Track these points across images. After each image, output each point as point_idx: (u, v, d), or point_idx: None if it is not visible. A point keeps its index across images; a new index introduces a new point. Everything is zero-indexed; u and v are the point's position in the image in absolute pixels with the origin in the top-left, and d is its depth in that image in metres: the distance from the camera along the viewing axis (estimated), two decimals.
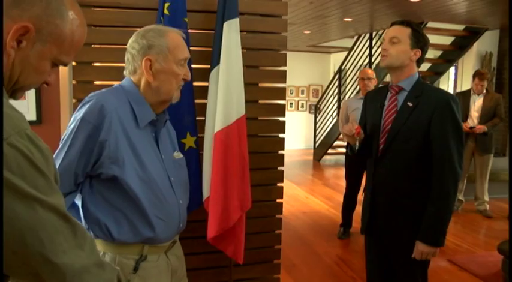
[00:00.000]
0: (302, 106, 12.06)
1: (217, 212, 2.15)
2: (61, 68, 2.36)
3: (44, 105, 2.41)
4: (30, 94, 2.38)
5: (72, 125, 1.37)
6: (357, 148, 2.14)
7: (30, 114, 2.38)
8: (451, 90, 10.21)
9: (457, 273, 3.75)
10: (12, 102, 2.35)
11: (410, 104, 1.96)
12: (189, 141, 2.24)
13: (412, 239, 1.97)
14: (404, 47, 1.95)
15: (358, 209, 4.70)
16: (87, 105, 1.38)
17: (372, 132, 2.10)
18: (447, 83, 10.40)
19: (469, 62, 7.57)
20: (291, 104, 11.97)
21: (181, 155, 1.68)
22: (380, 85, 7.44)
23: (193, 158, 2.26)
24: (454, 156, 1.90)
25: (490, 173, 5.49)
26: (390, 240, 2.08)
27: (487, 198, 5.57)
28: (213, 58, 2.23)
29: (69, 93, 2.42)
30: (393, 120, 2.00)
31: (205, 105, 2.29)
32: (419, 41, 1.96)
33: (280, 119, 2.64)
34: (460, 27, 7.22)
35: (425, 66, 8.42)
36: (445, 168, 1.90)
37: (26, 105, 2.38)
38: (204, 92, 2.31)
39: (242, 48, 2.31)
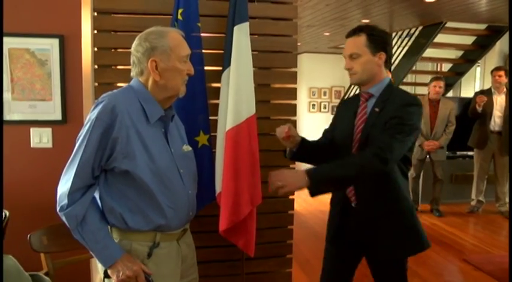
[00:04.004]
0: (324, 107, 12.04)
1: (228, 206, 2.25)
2: (84, 71, 2.54)
3: (68, 106, 2.55)
4: (56, 95, 2.53)
5: (88, 125, 1.50)
6: (287, 153, 2.09)
7: (56, 114, 2.54)
8: (468, 92, 10.05)
9: (471, 272, 3.75)
10: (38, 103, 2.51)
11: (377, 109, 1.91)
12: (202, 139, 2.35)
13: (387, 244, 1.93)
14: (365, 58, 1.90)
15: None
16: (100, 106, 1.51)
17: (343, 139, 2.02)
18: (473, 84, 10.22)
19: (492, 61, 7.46)
20: (313, 105, 11.97)
21: (190, 148, 1.80)
22: (400, 86, 7.43)
23: (206, 155, 2.37)
24: (392, 144, 1.77)
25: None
26: (363, 247, 2.01)
27: (508, 199, 5.51)
28: (225, 60, 2.34)
29: (91, 94, 2.55)
30: (363, 127, 1.94)
31: (218, 105, 2.39)
32: (378, 44, 1.90)
33: (292, 118, 2.74)
34: (482, 26, 7.14)
35: (446, 67, 8.37)
36: (375, 149, 1.77)
37: (52, 106, 2.53)
38: (216, 92, 2.42)
39: (254, 51, 2.42)
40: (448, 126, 5.17)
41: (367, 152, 1.79)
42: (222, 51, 2.42)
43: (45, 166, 2.51)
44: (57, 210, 1.50)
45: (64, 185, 1.50)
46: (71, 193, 1.48)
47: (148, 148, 1.54)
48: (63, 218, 1.50)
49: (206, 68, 2.39)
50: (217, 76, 2.43)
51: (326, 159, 1.94)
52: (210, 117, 2.41)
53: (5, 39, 2.44)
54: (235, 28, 2.29)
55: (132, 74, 1.65)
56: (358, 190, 1.97)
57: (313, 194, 1.80)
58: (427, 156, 5.32)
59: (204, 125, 2.36)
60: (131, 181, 1.52)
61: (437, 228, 5.04)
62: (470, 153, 6.06)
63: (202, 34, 2.36)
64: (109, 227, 1.60)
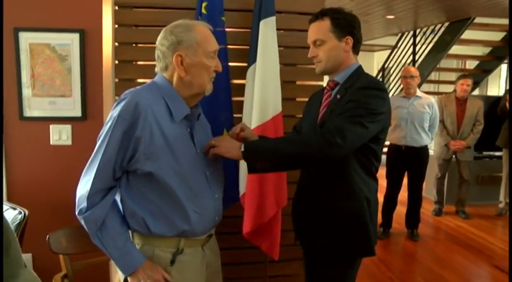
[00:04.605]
0: None
1: (252, 208, 2.17)
2: (104, 66, 2.49)
3: (88, 103, 2.50)
4: (76, 92, 2.48)
5: (110, 123, 1.41)
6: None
7: (76, 111, 2.48)
8: (495, 90, 9.77)
9: (503, 280, 3.59)
10: (58, 99, 2.47)
11: (338, 96, 1.72)
12: None
13: (333, 241, 1.73)
14: (331, 44, 1.70)
15: (399, 209, 4.63)
16: (122, 103, 1.42)
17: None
18: (498, 82, 9.93)
19: None
20: None
21: None
22: (423, 84, 7.25)
23: None
24: (345, 127, 1.53)
25: None
26: (313, 243, 1.82)
27: None
28: (250, 56, 2.26)
29: (112, 90, 2.50)
30: (323, 115, 1.75)
31: (242, 102, 2.32)
32: (344, 27, 1.70)
33: None
34: None
35: (472, 64, 8.13)
36: (325, 131, 1.55)
37: (72, 103, 2.48)
38: (241, 89, 2.34)
39: (279, 46, 2.33)
40: (476, 125, 4.99)
41: (316, 133, 1.60)
42: (246, 47, 2.35)
43: (65, 164, 2.47)
44: (76, 213, 1.42)
45: (83, 187, 1.42)
46: (91, 196, 1.40)
47: (173, 148, 1.44)
48: (82, 222, 1.42)
49: (230, 63, 2.32)
50: (241, 72, 2.36)
51: None
52: (235, 115, 2.34)
53: (26, 35, 2.42)
54: (262, 22, 2.21)
55: (157, 69, 1.56)
56: (305, 180, 1.83)
57: (249, 169, 1.63)
58: (453, 156, 5.15)
59: (228, 123, 2.28)
60: (154, 183, 1.43)
61: (463, 230, 4.87)
62: (497, 153, 5.87)
63: (226, 29, 2.28)
64: (130, 231, 1.51)
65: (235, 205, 2.31)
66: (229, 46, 2.30)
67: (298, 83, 2.60)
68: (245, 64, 2.34)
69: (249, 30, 2.34)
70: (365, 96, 1.60)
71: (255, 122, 2.17)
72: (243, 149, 1.54)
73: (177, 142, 1.46)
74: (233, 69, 2.35)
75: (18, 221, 1.97)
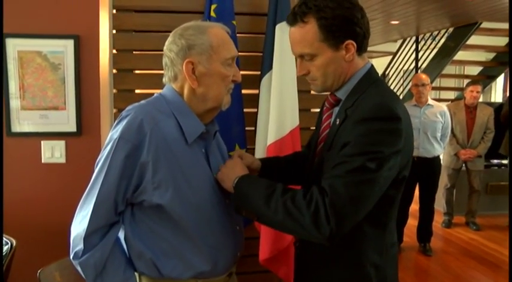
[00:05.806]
0: None
1: (270, 232, 1.99)
2: (101, 76, 2.29)
3: (84, 116, 2.32)
4: (70, 104, 2.29)
5: (109, 146, 1.20)
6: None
7: (70, 125, 2.30)
8: (499, 96, 9.66)
9: None
10: (50, 112, 2.26)
11: (338, 120, 1.28)
12: None
13: None
14: (325, 57, 1.23)
15: (410, 222, 4.44)
16: (124, 121, 1.20)
17: (310, 155, 1.47)
18: (494, 88, 9.84)
19: None
20: None
21: None
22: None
23: None
24: (340, 195, 1.10)
25: None
26: None
27: None
28: (264, 64, 2.09)
29: (109, 102, 2.33)
30: (322, 146, 1.35)
31: (253, 114, 2.16)
32: (339, 29, 1.21)
33: None
34: None
35: (475, 70, 8.00)
36: (315, 202, 1.12)
37: (66, 116, 2.30)
38: (252, 100, 2.18)
39: None
40: (486, 133, 4.86)
41: (310, 204, 1.12)
42: (258, 54, 2.17)
43: (58, 184, 2.29)
44: (71, 257, 1.20)
45: (79, 225, 1.19)
46: (88, 235, 1.17)
47: (186, 175, 1.23)
48: (78, 268, 1.20)
49: (241, 72, 2.09)
50: (253, 81, 2.17)
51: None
52: (246, 128, 2.15)
53: (15, 41, 2.24)
54: (277, 27, 2.04)
55: (165, 79, 1.34)
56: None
57: (235, 209, 1.30)
58: (463, 165, 4.99)
59: (240, 137, 2.10)
60: (165, 218, 1.21)
61: (476, 243, 4.68)
62: (504, 161, 5.72)
63: (237, 34, 2.10)
64: (137, 274, 1.29)
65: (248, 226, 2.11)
66: (239, 53, 2.11)
67: (313, 92, 2.40)
68: (257, 72, 2.16)
69: (260, 35, 2.17)
70: (368, 133, 1.14)
71: (271, 137, 1.99)
72: (234, 185, 1.27)
73: (191, 167, 1.25)
74: (243, 78, 2.15)
75: (4, 254, 1.74)
